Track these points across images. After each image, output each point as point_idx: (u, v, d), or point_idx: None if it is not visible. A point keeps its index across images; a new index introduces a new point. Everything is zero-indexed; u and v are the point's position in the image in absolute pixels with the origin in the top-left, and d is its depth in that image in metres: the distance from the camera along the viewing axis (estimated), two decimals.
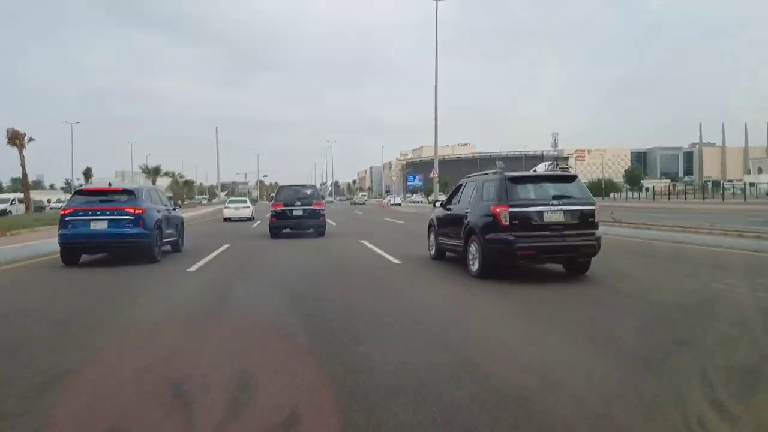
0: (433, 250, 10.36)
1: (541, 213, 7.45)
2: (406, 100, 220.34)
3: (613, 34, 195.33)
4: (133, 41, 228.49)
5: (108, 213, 9.61)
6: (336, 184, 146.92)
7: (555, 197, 7.60)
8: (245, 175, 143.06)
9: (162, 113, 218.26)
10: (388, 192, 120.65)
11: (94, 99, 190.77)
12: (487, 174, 8.58)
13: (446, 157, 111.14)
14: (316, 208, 16.33)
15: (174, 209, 12.38)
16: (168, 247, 11.73)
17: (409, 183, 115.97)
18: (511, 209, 7.39)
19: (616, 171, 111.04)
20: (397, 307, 6.05)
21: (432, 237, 10.48)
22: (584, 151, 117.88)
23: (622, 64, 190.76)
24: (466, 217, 8.38)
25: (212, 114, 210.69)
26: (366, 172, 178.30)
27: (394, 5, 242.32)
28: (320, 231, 16.54)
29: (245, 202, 29.96)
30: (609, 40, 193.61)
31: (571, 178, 8.07)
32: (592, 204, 7.74)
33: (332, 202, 78.88)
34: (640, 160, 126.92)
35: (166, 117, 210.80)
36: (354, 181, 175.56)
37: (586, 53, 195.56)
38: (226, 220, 26.87)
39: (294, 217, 16.12)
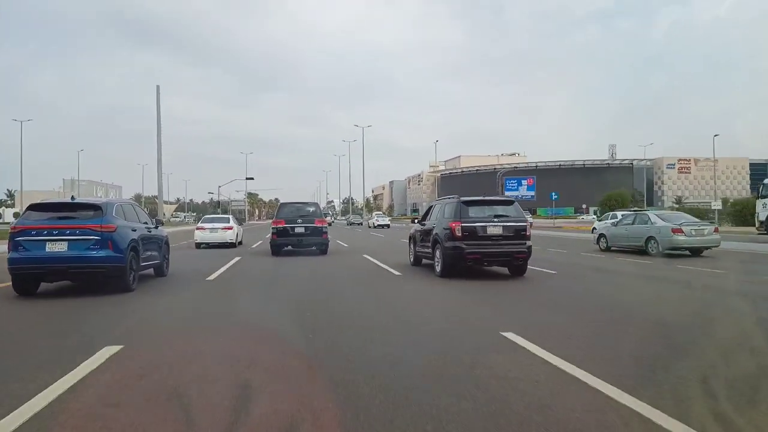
0: (412, 257, 13.03)
1: (485, 227, 10.11)
2: (413, 121, 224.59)
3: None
4: (142, 61, 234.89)
5: (68, 232, 7.95)
6: (350, 201, 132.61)
7: (496, 216, 10.29)
8: (245, 191, 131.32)
9: (169, 131, 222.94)
10: (415, 210, 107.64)
11: (103, 116, 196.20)
12: (449, 198, 11.30)
13: (497, 166, 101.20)
14: (319, 225, 16.30)
15: (156, 227, 10.55)
16: (150, 271, 10.48)
17: (509, 191, 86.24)
18: (463, 224, 10.07)
19: (732, 185, 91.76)
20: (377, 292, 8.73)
21: (411, 247, 13.15)
22: (689, 160, 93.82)
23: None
24: (434, 230, 11.06)
25: (218, 132, 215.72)
26: (383, 188, 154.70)
27: (403, 27, 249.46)
28: (322, 249, 16.47)
29: (226, 221, 21.73)
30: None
31: (510, 202, 10.75)
32: (524, 221, 10.41)
33: (331, 223, 62.26)
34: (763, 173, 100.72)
35: (172, 135, 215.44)
36: (375, 197, 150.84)
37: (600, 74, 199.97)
38: (198, 246, 20.43)
39: (296, 234, 16.07)
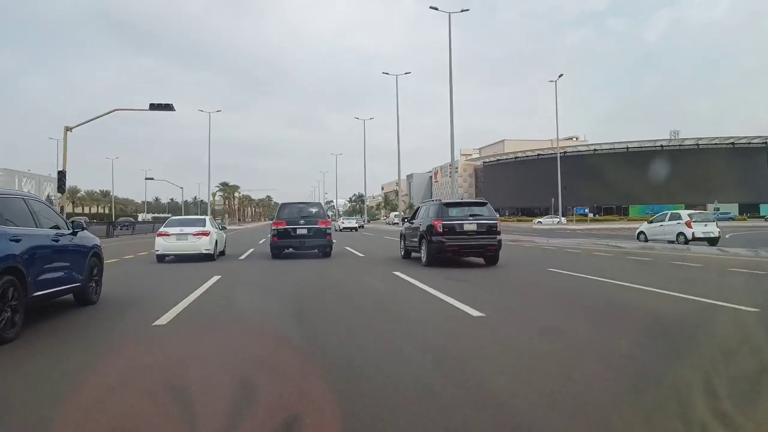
0: (403, 251, 15.15)
1: (462, 224, 12.23)
2: (408, 124, 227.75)
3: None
4: (135, 63, 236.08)
5: None
6: (360, 199, 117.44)
7: (471, 215, 12.42)
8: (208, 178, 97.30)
9: (161, 134, 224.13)
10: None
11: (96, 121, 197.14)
12: (432, 201, 13.45)
13: (568, 151, 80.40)
14: (322, 226, 15.67)
15: (74, 232, 7.18)
16: (69, 297, 7.21)
17: None
18: (444, 222, 12.18)
19: None
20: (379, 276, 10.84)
21: (402, 243, 15.27)
22: None
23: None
24: (420, 227, 13.17)
25: (213, 135, 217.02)
26: (396, 184, 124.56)
27: (398, 30, 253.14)
28: (326, 251, 15.92)
29: (200, 224, 16.24)
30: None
31: (483, 204, 12.90)
32: (495, 219, 12.55)
33: None
34: None
35: (164, 138, 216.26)
36: (397, 193, 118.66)
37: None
38: (161, 259, 15.37)
39: (298, 236, 15.44)
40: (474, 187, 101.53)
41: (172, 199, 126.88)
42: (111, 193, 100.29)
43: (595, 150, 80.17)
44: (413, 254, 14.46)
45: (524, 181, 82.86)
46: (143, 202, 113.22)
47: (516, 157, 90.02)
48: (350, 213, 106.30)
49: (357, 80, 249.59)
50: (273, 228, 15.81)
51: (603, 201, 75.43)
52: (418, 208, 14.56)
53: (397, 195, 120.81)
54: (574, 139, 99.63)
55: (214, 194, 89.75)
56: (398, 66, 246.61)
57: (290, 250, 15.84)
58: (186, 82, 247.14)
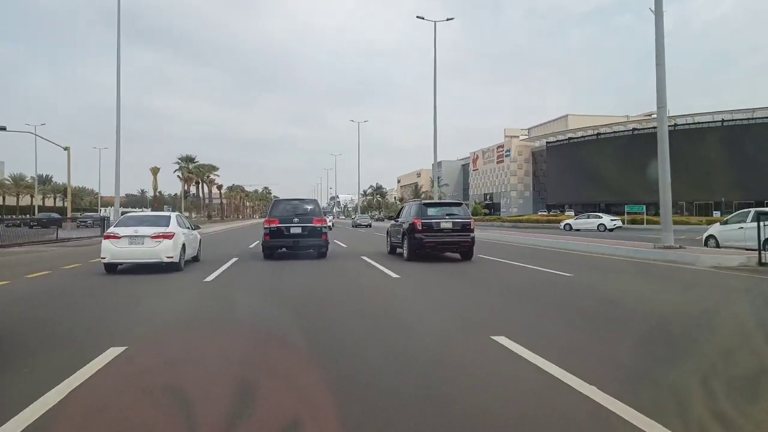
0: (388, 247, 16.58)
1: (439, 223, 13.64)
2: (409, 121, 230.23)
3: None
4: (139, 59, 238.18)
5: None
6: (379, 191, 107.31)
7: (447, 214, 13.84)
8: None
9: (165, 130, 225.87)
10: (490, 203, 77.05)
11: (98, 115, 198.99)
12: (414, 201, 14.88)
13: (679, 124, 56.72)
14: (317, 225, 14.93)
15: None
16: None
17: None
18: (423, 220, 13.59)
19: None
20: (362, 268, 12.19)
21: (388, 239, 16.69)
22: None
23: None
24: (403, 225, 14.58)
25: (214, 131, 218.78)
26: (419, 174, 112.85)
27: (399, 26, 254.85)
28: (321, 252, 15.21)
29: (164, 222, 12.35)
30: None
31: (459, 204, 14.32)
32: (469, 218, 13.95)
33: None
34: None
35: (165, 135, 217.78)
36: (433, 180, 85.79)
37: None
38: (110, 268, 11.66)
39: (291, 235, 14.65)
40: (531, 176, 79.95)
41: (160, 192, 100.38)
42: (40, 177, 77.49)
43: (722, 121, 56.60)
44: (398, 250, 15.85)
45: (612, 166, 59.44)
46: (123, 196, 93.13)
47: (598, 134, 64.37)
48: (364, 209, 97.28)
49: (360, 77, 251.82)
50: (265, 226, 14.97)
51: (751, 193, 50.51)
52: (402, 207, 15.98)
53: (433, 183, 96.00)
54: (654, 115, 78.55)
55: (155, 171, 54.20)
56: (402, 60, 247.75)
57: (283, 249, 15.17)
58: (188, 77, 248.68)
